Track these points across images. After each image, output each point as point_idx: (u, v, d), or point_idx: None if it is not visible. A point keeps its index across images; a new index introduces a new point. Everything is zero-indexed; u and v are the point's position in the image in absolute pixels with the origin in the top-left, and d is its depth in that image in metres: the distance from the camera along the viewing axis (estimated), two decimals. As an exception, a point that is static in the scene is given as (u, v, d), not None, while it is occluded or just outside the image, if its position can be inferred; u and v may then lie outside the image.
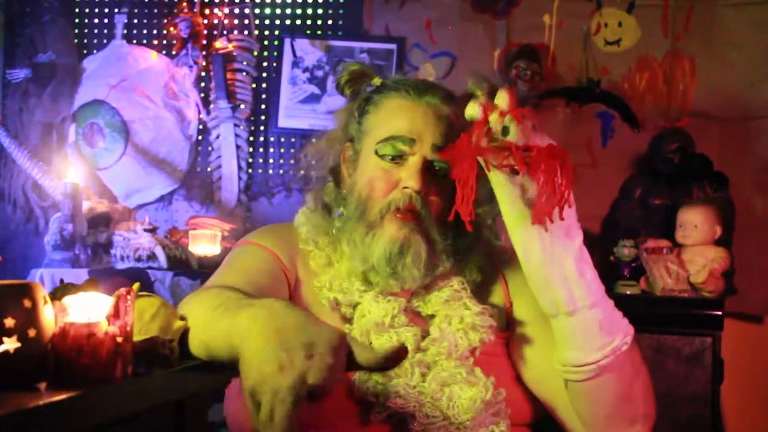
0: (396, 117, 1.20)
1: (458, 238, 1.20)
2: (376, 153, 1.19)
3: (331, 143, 1.30)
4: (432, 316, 1.21)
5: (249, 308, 0.88)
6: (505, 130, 0.96)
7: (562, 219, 0.96)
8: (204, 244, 3.08)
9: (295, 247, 1.26)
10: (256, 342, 0.81)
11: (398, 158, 1.18)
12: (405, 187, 1.16)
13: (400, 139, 1.18)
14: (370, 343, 1.13)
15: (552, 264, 1.00)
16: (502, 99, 0.96)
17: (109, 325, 0.83)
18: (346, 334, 0.86)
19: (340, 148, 1.28)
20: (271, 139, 3.52)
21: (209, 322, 0.94)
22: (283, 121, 3.48)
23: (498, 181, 0.98)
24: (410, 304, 1.21)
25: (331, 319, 1.19)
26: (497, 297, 1.28)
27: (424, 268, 1.16)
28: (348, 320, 1.18)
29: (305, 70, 3.46)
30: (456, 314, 1.18)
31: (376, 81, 1.28)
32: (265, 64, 3.55)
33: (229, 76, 3.48)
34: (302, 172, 1.37)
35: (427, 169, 1.17)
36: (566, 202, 0.95)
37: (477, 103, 0.98)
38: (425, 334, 1.17)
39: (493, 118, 0.96)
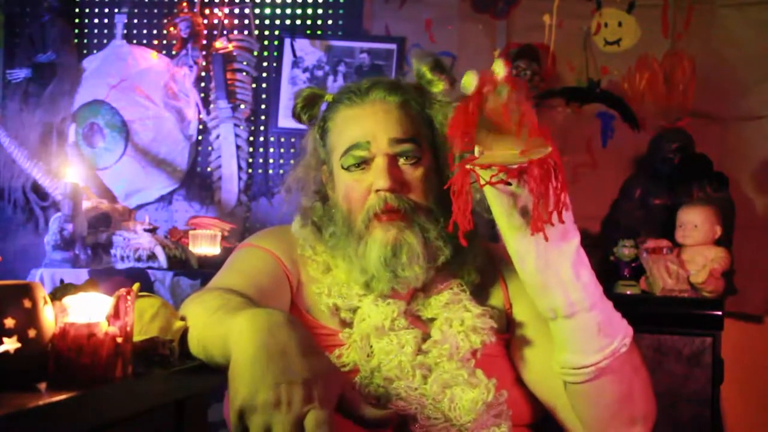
0: (347, 128, 1.21)
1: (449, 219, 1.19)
2: (343, 167, 1.20)
3: (307, 171, 1.31)
4: (432, 320, 1.20)
5: (245, 314, 0.87)
6: (499, 91, 0.94)
7: (562, 222, 0.96)
8: (204, 244, 3.08)
9: (297, 249, 1.26)
10: (246, 351, 0.80)
11: (363, 164, 1.19)
12: (377, 190, 1.16)
13: (356, 147, 1.19)
14: (371, 346, 1.13)
15: (548, 269, 0.99)
16: (499, 67, 0.95)
17: (109, 325, 0.83)
18: (342, 374, 0.83)
19: (318, 174, 1.30)
20: (271, 139, 3.53)
21: (208, 325, 0.94)
22: (283, 121, 3.48)
23: (492, 193, 0.97)
24: (410, 307, 1.21)
25: (331, 324, 1.19)
26: (497, 299, 1.28)
27: (423, 261, 1.16)
28: (348, 325, 1.18)
29: (305, 70, 3.46)
30: (456, 317, 1.18)
31: (328, 97, 1.30)
32: (265, 64, 3.56)
33: (229, 76, 3.48)
34: (287, 194, 1.35)
35: (393, 163, 1.17)
36: (563, 205, 0.95)
37: (473, 73, 0.97)
38: (426, 337, 1.17)
39: (488, 86, 0.95)
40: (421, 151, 1.19)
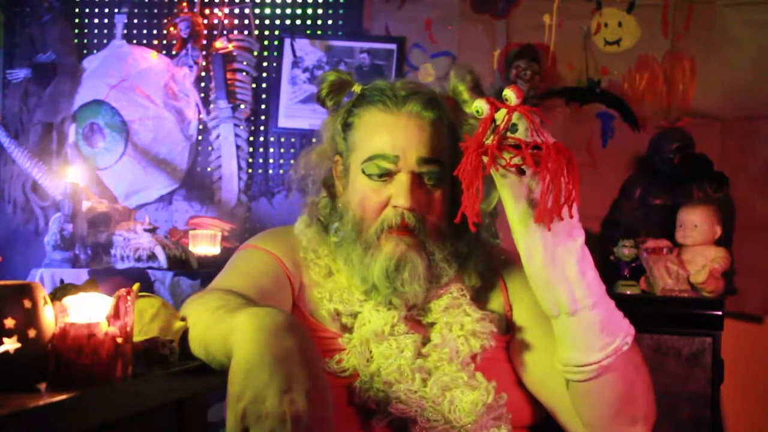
0: (377, 134, 1.18)
1: (457, 243, 1.20)
2: (363, 172, 1.19)
3: (320, 158, 1.29)
4: (432, 324, 1.21)
5: (247, 311, 0.87)
6: (513, 127, 0.95)
7: (571, 217, 0.97)
8: (204, 244, 3.08)
9: (299, 251, 1.26)
10: (250, 351, 0.80)
11: (385, 175, 1.17)
12: (396, 206, 1.15)
13: (383, 158, 1.16)
14: (370, 351, 1.13)
15: (554, 264, 1.00)
16: (511, 96, 0.96)
17: (109, 325, 0.83)
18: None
19: (330, 162, 1.28)
20: (271, 139, 3.53)
21: (210, 323, 0.94)
22: (283, 121, 3.48)
23: (504, 181, 0.98)
24: (410, 312, 1.21)
25: (333, 327, 1.19)
26: (497, 301, 1.28)
27: (424, 281, 1.16)
28: (348, 329, 1.18)
29: (305, 70, 3.46)
30: (456, 321, 1.18)
31: (356, 89, 1.26)
32: (265, 64, 3.56)
33: (229, 76, 3.48)
34: (295, 175, 1.33)
35: (416, 182, 1.16)
36: (573, 200, 0.95)
37: (484, 100, 0.97)
38: (426, 341, 1.17)
39: (501, 114, 0.96)
40: (444, 173, 1.18)
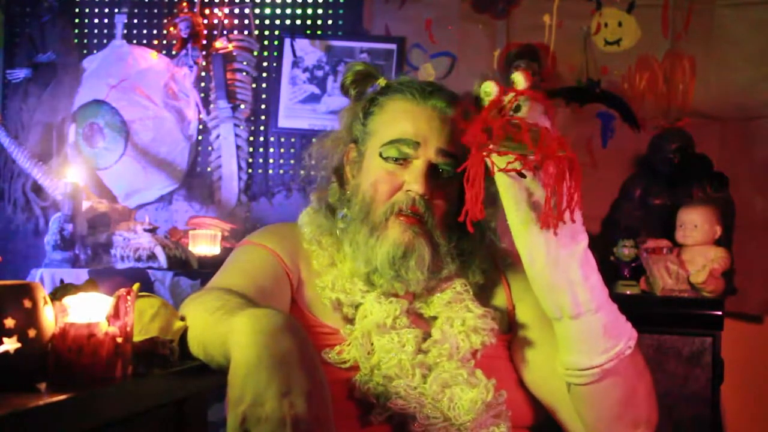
0: (401, 120, 1.20)
1: (462, 240, 1.20)
2: (381, 155, 1.20)
3: (335, 144, 1.30)
4: (434, 318, 1.21)
5: (245, 313, 0.87)
6: (516, 108, 0.96)
7: (573, 221, 0.97)
8: (204, 244, 3.08)
9: (298, 247, 1.26)
10: (249, 354, 0.80)
11: (402, 161, 1.19)
12: (409, 190, 1.16)
13: (404, 142, 1.18)
14: (372, 344, 1.13)
15: (557, 268, 0.99)
16: (519, 79, 0.96)
17: (109, 325, 0.83)
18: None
19: (344, 149, 1.29)
20: (271, 139, 3.52)
21: (208, 324, 0.94)
22: (283, 121, 3.48)
23: (504, 184, 0.98)
24: (412, 305, 1.21)
25: (333, 319, 1.19)
26: (500, 299, 1.28)
27: (428, 271, 1.16)
28: (350, 321, 1.19)
29: (305, 70, 3.46)
30: (458, 316, 1.18)
31: (381, 82, 1.29)
32: (265, 64, 3.55)
33: (229, 76, 3.48)
34: (303, 172, 1.36)
35: (432, 172, 1.17)
36: (576, 205, 0.96)
37: (493, 82, 0.98)
38: (427, 336, 1.17)
39: (508, 96, 0.97)
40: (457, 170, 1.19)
